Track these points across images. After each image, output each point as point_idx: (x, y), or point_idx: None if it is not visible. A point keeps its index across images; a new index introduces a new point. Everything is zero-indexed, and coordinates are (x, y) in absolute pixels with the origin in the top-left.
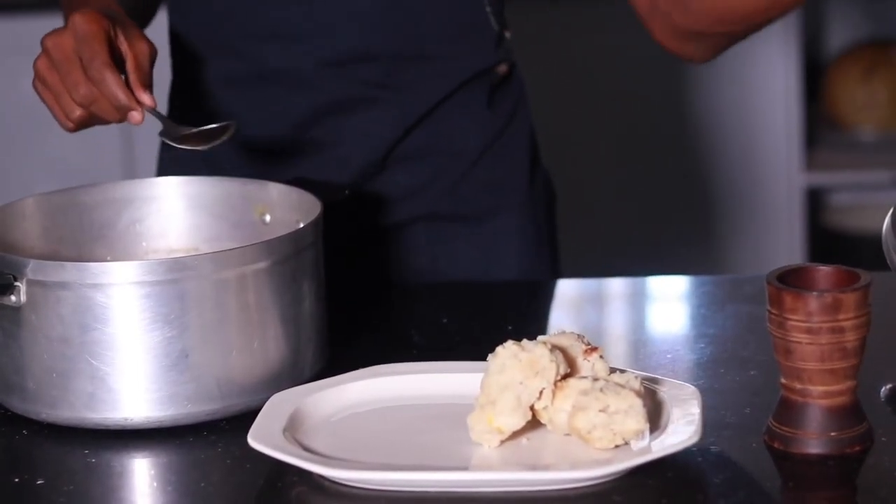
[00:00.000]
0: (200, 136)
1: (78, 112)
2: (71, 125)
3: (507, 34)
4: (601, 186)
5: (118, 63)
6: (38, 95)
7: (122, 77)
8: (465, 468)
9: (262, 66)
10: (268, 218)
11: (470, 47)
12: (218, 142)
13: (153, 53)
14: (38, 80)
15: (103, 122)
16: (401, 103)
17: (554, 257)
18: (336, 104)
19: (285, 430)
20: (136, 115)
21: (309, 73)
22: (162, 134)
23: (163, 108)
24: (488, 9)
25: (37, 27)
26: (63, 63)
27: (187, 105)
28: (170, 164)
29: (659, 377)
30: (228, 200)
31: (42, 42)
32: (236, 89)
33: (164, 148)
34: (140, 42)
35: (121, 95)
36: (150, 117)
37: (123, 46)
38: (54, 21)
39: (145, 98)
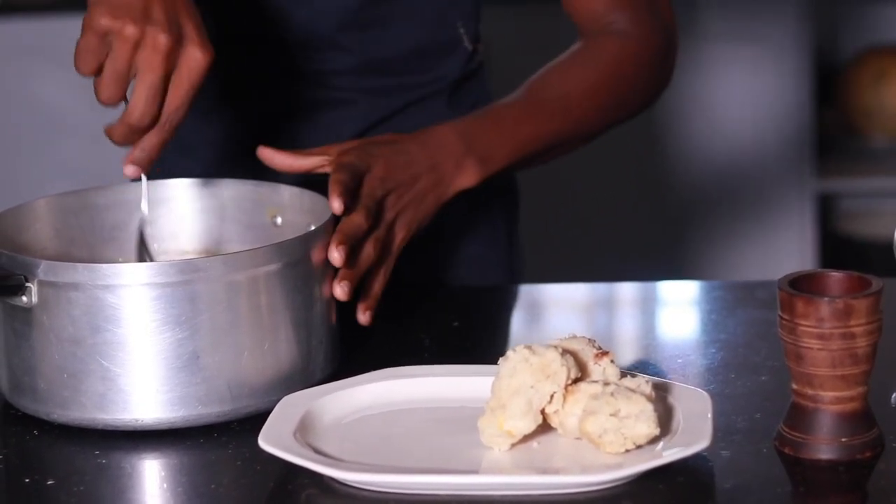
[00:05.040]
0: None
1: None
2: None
3: (480, 47)
4: (613, 190)
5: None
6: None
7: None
8: (475, 472)
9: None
10: (279, 220)
11: (440, 64)
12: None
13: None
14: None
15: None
16: (364, 107)
17: (513, 254)
18: (306, 104)
19: (296, 432)
20: (129, 169)
21: (277, 78)
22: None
23: None
24: (461, 30)
25: (49, 28)
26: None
27: None
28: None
29: (670, 382)
30: (240, 203)
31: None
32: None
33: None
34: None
35: (135, 115)
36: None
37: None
38: (67, 22)
39: (128, 170)
